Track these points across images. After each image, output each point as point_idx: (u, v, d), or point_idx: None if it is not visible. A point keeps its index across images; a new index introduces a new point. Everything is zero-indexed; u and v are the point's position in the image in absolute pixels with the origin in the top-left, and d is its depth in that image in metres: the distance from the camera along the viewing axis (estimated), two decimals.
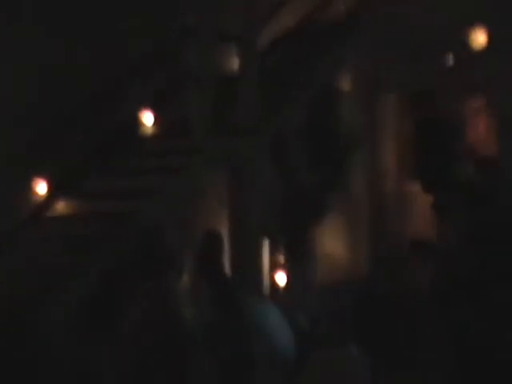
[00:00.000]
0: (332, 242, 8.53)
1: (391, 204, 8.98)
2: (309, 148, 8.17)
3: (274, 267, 7.73)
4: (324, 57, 7.87)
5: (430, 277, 7.34)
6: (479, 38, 8.01)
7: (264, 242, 7.56)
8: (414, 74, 8.25)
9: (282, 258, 7.76)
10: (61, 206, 6.77)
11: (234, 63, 7.55)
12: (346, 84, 8.65)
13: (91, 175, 6.99)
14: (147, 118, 7.41)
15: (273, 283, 7.69)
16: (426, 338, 6.62)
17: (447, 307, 6.99)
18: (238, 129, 7.06)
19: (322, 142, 8.24)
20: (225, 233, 7.02)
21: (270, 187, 7.57)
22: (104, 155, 7.02)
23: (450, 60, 8.19)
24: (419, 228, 8.60)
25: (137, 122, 7.34)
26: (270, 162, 7.52)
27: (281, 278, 7.69)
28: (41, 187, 6.76)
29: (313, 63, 7.76)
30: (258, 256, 7.17)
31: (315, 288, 7.73)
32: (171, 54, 7.35)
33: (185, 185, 6.71)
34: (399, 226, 8.80)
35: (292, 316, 6.46)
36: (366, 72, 8.58)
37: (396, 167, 9.05)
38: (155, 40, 7.27)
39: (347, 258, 8.64)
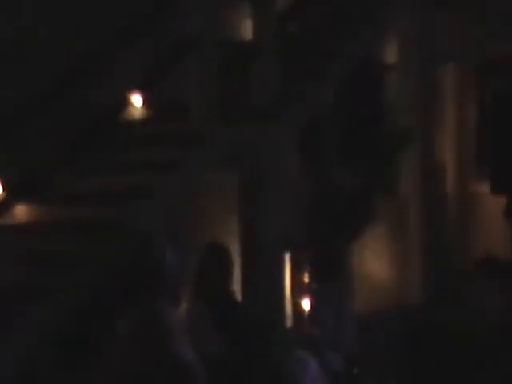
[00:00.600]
0: (374, 260, 8.24)
1: (452, 211, 8.66)
2: (346, 139, 7.88)
3: (298, 291, 7.48)
4: (362, 19, 7.49)
5: (505, 304, 7.05)
6: None
7: (286, 259, 7.23)
8: (481, 43, 7.93)
9: (308, 279, 7.50)
10: (21, 212, 6.44)
11: (247, 28, 7.24)
12: (391, 56, 8.24)
13: (62, 173, 6.66)
14: (135, 99, 7.12)
15: (297, 311, 7.43)
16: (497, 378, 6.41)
17: None
18: (252, 113, 6.71)
19: (362, 132, 7.99)
20: (235, 246, 6.69)
21: (296, 189, 7.27)
22: (78, 148, 6.77)
23: None
24: (489, 241, 8.28)
25: (122, 105, 7.04)
26: (295, 157, 7.21)
27: (306, 304, 7.45)
28: None
29: (348, 27, 7.39)
30: (279, 276, 6.92)
31: (352, 317, 7.45)
32: (166, 15, 7.07)
33: (183, 184, 6.36)
34: (462, 239, 8.49)
35: (322, 354, 6.33)
36: (418, 40, 8.18)
37: (458, 163, 8.72)
38: None
39: (394, 279, 8.36)
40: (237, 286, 6.55)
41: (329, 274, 7.37)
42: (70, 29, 6.64)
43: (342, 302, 7.45)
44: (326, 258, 7.38)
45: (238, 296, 6.53)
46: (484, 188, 8.08)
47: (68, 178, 6.74)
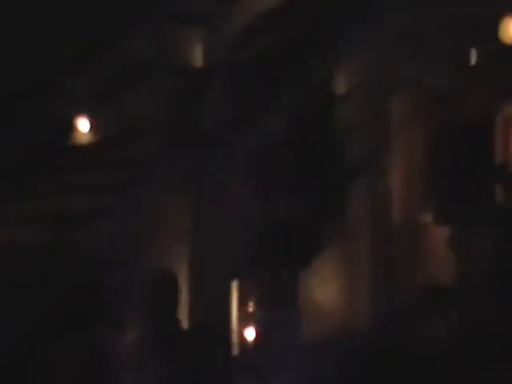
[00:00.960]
0: (322, 287, 8.07)
1: (400, 240, 8.55)
2: (297, 166, 7.76)
3: (244, 318, 7.31)
4: (317, 49, 7.40)
5: (452, 332, 7.05)
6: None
7: (233, 287, 7.13)
8: (431, 74, 7.84)
9: (253, 308, 7.33)
10: None
11: (198, 53, 7.12)
12: (344, 85, 8.16)
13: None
14: (82, 123, 6.92)
15: (242, 339, 7.25)
16: None
17: (477, 370, 6.67)
18: (202, 137, 6.57)
19: (314, 159, 7.86)
20: (183, 273, 6.52)
21: (246, 214, 7.13)
22: (21, 171, 6.54)
23: (474, 56, 7.79)
24: (435, 270, 8.22)
25: (68, 129, 6.86)
26: (246, 183, 7.09)
27: (251, 333, 7.29)
28: None
29: (302, 56, 7.29)
30: (225, 304, 6.74)
31: (300, 344, 7.29)
32: (115, 39, 6.88)
33: (131, 209, 6.22)
34: (410, 268, 8.39)
35: (269, 382, 6.17)
36: (371, 70, 8.11)
37: (408, 192, 8.61)
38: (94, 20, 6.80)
39: (341, 306, 8.20)
40: (184, 313, 6.37)
41: (276, 301, 7.18)
42: (16, 51, 6.39)
43: (289, 329, 7.24)
44: (273, 286, 7.20)
45: (185, 323, 6.35)
46: (429, 218, 7.95)
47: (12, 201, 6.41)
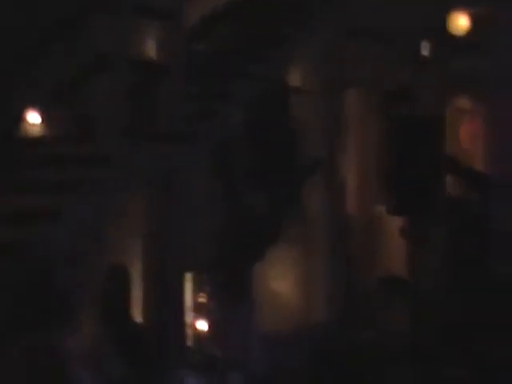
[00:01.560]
0: (279, 280, 7.91)
1: (356, 232, 8.44)
2: (254, 161, 7.60)
3: (198, 310, 7.15)
4: (273, 43, 7.24)
5: (407, 322, 6.91)
6: (461, 21, 7.59)
7: (187, 280, 6.98)
8: (385, 68, 7.69)
9: (207, 300, 7.18)
10: None
11: (153, 47, 6.91)
12: (300, 79, 7.98)
13: None
14: (33, 116, 6.58)
15: (196, 331, 7.09)
16: None
17: (429, 361, 6.59)
18: (159, 133, 6.39)
19: (270, 154, 7.69)
20: (138, 270, 6.33)
21: (203, 208, 6.95)
22: None
23: (427, 49, 7.64)
24: (390, 262, 8.10)
25: (17, 122, 6.55)
26: (203, 177, 6.93)
27: (204, 324, 7.13)
28: None
29: (258, 50, 7.15)
30: (179, 297, 6.61)
31: (257, 337, 7.12)
32: (71, 33, 6.63)
33: (87, 206, 5.96)
34: (365, 260, 8.28)
35: (224, 374, 6.02)
36: (325, 64, 7.96)
37: (362, 185, 8.49)
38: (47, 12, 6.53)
39: (298, 298, 8.02)
40: (138, 309, 6.21)
41: (233, 293, 7.02)
42: None
43: (246, 321, 7.11)
44: (230, 278, 7.03)
45: (139, 318, 6.21)
46: (383, 210, 7.81)
47: None
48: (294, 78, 7.95)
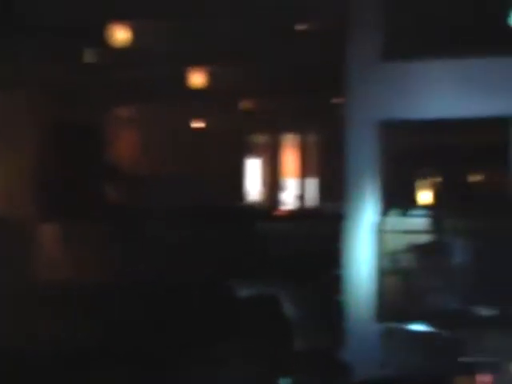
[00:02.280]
0: None
1: (8, 238, 7.91)
2: None
3: None
4: None
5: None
6: (121, 33, 7.40)
7: None
8: (45, 72, 7.29)
9: None
10: None
11: None
12: None
13: None
14: None
15: None
16: None
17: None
18: None
19: None
20: None
21: None
22: None
23: (89, 56, 7.37)
24: (51, 267, 7.70)
25: None
26: None
27: None
28: None
29: None
30: None
31: None
32: None
33: None
34: (22, 265, 7.76)
35: None
36: None
37: (13, 190, 7.85)
38: None
39: None
40: None
41: None
42: None
43: None
44: None
45: None
46: (37, 215, 7.39)
47: None
48: None
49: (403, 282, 5.48)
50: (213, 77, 9.79)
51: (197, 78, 9.92)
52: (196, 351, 3.78)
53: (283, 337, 2.88)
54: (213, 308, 3.33)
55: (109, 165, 7.44)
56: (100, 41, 7.10)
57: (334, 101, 9.39)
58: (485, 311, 3.38)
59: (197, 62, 9.46)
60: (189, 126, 12.49)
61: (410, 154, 6.26)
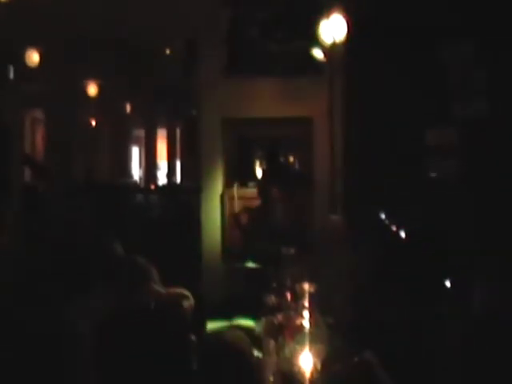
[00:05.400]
0: None
1: None
2: None
3: None
4: None
5: None
6: (32, 56, 7.17)
7: None
8: None
9: None
10: None
11: None
12: None
13: None
14: None
15: None
16: None
17: None
18: None
19: None
20: None
21: None
22: None
23: (11, 72, 7.10)
24: None
25: None
26: None
27: None
28: None
29: None
30: None
31: None
32: None
33: None
34: None
35: None
36: None
37: None
38: None
39: None
40: None
41: None
42: None
43: None
44: None
45: None
46: None
47: None
48: None
49: (241, 233, 5.63)
50: (102, 88, 9.73)
51: (91, 89, 9.84)
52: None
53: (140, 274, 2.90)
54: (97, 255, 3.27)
55: (26, 155, 7.17)
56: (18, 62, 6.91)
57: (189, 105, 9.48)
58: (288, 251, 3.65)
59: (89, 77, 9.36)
60: (86, 124, 12.26)
61: (246, 142, 6.40)
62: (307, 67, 5.84)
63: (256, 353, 2.55)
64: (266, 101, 5.92)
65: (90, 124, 12.67)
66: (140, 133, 15.40)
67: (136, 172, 16.11)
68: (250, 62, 6.00)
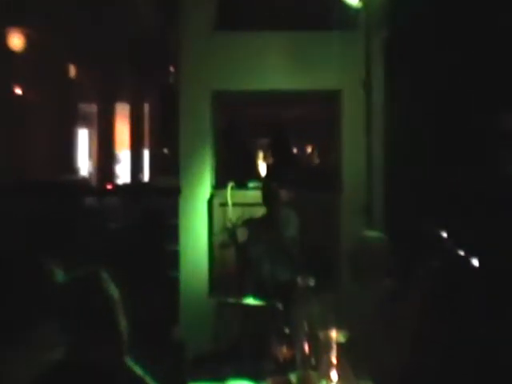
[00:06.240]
0: None
1: None
2: None
3: None
4: None
5: None
6: None
7: None
8: None
9: None
10: None
11: None
12: None
13: None
14: None
15: None
16: None
17: None
18: None
19: None
20: None
21: None
22: None
23: None
24: None
25: None
26: None
27: None
28: None
29: None
30: None
31: None
32: None
33: None
34: None
35: None
36: None
37: None
38: None
39: None
40: None
41: None
42: None
43: None
44: None
45: None
46: None
47: None
48: None
49: (237, 255, 5.57)
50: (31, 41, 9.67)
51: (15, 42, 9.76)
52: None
53: (106, 312, 2.91)
54: (30, 285, 3.31)
55: None
56: None
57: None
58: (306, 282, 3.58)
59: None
60: (10, 96, 12.22)
61: (244, 125, 6.35)
62: (333, 18, 5.83)
63: None
64: (273, 67, 5.92)
65: (16, 96, 12.60)
66: (91, 108, 15.30)
67: (84, 165, 16.04)
68: (249, 11, 5.99)
